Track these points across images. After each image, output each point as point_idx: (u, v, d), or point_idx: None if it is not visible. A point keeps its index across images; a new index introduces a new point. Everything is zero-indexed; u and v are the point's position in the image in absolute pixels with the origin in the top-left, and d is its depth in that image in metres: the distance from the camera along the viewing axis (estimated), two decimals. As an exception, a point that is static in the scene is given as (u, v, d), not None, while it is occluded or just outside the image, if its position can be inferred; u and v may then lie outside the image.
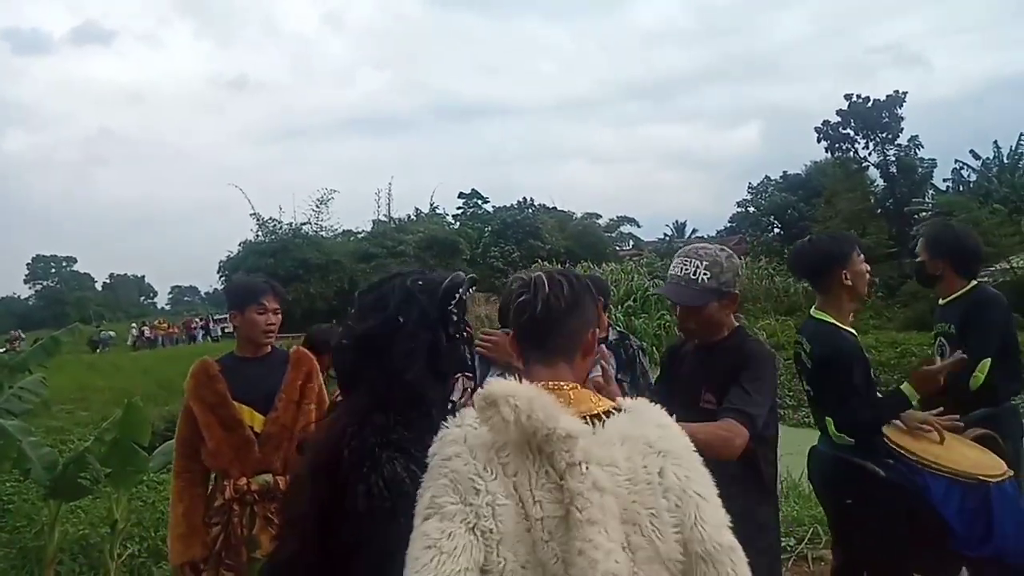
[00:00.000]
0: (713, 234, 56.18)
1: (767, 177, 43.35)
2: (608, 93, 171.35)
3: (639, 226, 54.93)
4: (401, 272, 1.58)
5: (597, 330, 1.35)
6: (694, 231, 53.12)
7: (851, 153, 34.94)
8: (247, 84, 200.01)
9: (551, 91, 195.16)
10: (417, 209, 39.00)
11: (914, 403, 2.53)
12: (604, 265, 28.29)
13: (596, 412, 1.26)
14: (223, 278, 33.14)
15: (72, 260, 71.50)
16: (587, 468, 1.16)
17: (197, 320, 40.69)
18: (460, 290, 1.54)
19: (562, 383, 1.29)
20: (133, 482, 6.38)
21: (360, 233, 36.49)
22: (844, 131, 34.84)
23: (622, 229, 53.97)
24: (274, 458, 2.69)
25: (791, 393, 17.04)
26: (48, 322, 46.24)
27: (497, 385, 1.20)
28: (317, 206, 33.65)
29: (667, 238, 49.42)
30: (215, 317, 38.86)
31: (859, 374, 2.56)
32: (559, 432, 1.16)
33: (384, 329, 1.45)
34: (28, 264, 69.69)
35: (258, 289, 2.79)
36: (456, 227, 38.82)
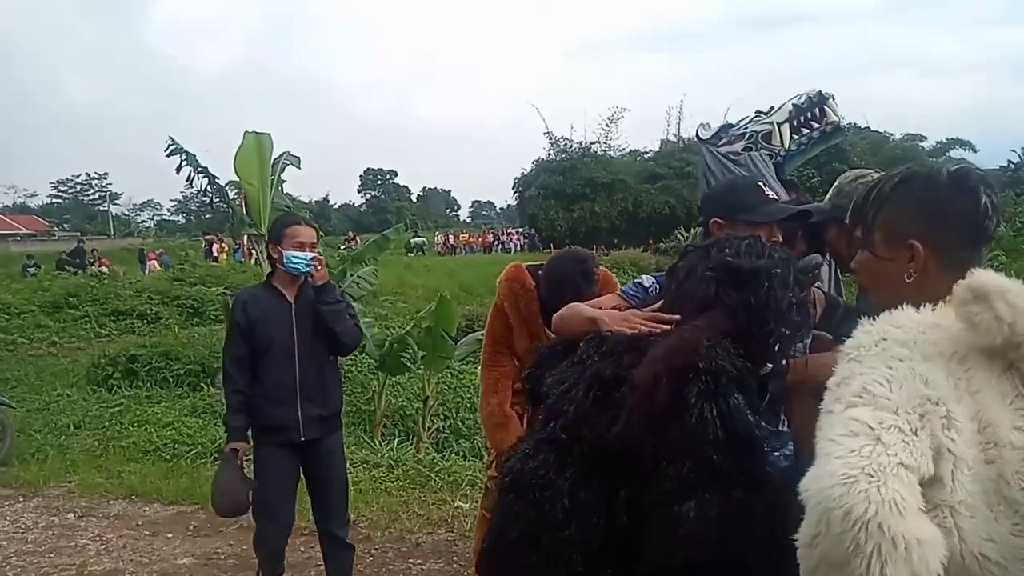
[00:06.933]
0: (1079, 162, 45.72)
1: None
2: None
3: (975, 151, 46.48)
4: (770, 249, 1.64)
5: None
6: (1051, 158, 43.50)
7: None
8: (550, 2, 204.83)
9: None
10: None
11: None
12: (924, 195, 24.67)
13: None
14: (516, 194, 35.39)
15: (394, 173, 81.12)
16: None
17: (493, 233, 44.68)
18: (813, 272, 1.63)
19: None
20: (442, 366, 7.33)
21: (647, 153, 36.13)
22: None
23: (951, 153, 46.26)
24: None
25: None
26: (375, 227, 53.56)
27: (987, 275, 0.97)
28: (607, 125, 33.98)
29: (1011, 166, 41.01)
30: (508, 231, 42.80)
31: None
32: None
33: (754, 270, 1.50)
34: (360, 176, 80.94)
35: None
36: (750, 148, 36.41)
